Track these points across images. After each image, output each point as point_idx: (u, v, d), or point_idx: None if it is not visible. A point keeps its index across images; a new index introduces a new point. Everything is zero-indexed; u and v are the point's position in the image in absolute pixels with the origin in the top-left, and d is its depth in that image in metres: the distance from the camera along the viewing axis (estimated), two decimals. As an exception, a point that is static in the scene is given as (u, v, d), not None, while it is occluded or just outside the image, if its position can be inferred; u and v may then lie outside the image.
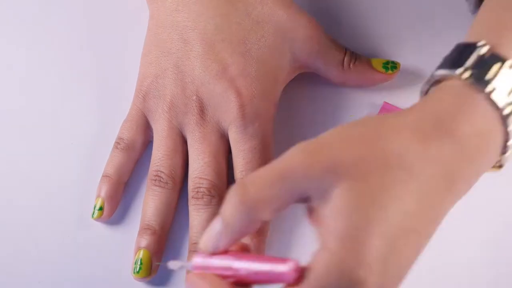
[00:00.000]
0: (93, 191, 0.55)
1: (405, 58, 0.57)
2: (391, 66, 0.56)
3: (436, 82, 0.44)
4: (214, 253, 0.42)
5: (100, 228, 0.55)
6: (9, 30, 0.61)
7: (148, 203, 0.54)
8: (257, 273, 0.41)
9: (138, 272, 0.52)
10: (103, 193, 0.55)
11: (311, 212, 0.41)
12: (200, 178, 0.52)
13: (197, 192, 0.52)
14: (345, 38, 0.59)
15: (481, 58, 0.42)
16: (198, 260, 0.43)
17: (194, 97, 0.53)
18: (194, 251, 0.52)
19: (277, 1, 0.54)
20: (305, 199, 0.41)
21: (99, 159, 0.56)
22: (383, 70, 0.56)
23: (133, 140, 0.55)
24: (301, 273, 0.40)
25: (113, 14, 0.62)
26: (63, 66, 0.60)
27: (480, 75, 0.42)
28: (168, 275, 0.53)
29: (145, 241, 0.53)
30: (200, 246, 0.43)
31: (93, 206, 0.55)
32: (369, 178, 0.39)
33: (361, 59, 0.56)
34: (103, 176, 0.55)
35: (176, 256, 0.54)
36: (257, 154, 0.52)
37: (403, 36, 0.59)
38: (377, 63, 0.56)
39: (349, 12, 0.61)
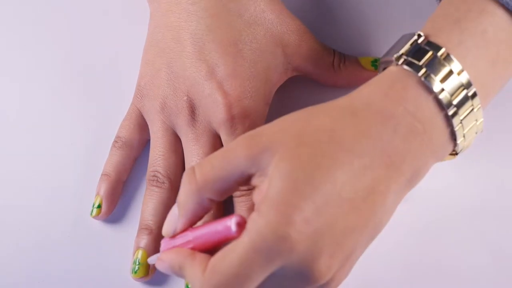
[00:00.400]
0: (94, 190, 0.56)
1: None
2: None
3: (384, 70, 0.46)
4: (174, 236, 0.46)
5: (101, 228, 0.55)
6: (9, 30, 0.62)
7: (146, 203, 0.54)
8: (211, 234, 0.44)
9: (136, 272, 0.52)
10: (101, 191, 0.55)
11: (254, 189, 0.44)
12: (195, 180, 0.53)
13: None
14: (338, 38, 0.59)
15: (416, 46, 0.44)
16: (164, 244, 0.46)
17: (185, 98, 0.53)
18: None
19: (269, 5, 0.54)
20: (247, 180, 0.44)
21: (100, 159, 0.56)
22: (372, 68, 0.56)
23: (131, 139, 0.56)
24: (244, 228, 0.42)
25: (114, 13, 0.62)
26: (63, 66, 0.60)
27: (414, 61, 0.44)
28: (166, 275, 0.54)
29: (143, 241, 0.53)
30: (162, 232, 0.47)
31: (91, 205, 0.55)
32: (300, 150, 0.41)
33: (350, 59, 0.56)
34: (102, 174, 0.56)
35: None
36: None
37: (399, 36, 0.58)
38: (365, 62, 0.56)
39: (344, 12, 0.60)
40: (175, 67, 0.53)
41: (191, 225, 0.46)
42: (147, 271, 0.53)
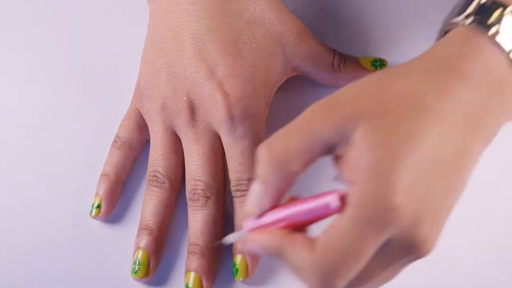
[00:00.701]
0: (94, 190, 0.56)
1: (404, 59, 0.57)
2: (380, 63, 0.57)
3: (445, 34, 0.45)
4: (261, 215, 0.44)
5: (101, 228, 0.55)
6: (9, 30, 0.62)
7: (146, 203, 0.54)
8: (307, 212, 0.42)
9: (136, 272, 0.52)
10: (101, 192, 0.55)
11: (337, 161, 0.43)
12: (196, 180, 0.53)
13: (194, 194, 0.53)
14: (338, 38, 0.59)
15: (482, 5, 0.43)
16: (249, 224, 0.44)
17: (185, 98, 0.53)
18: (192, 252, 0.52)
19: (269, 4, 0.54)
20: (330, 150, 0.42)
21: (100, 159, 0.56)
22: (372, 68, 0.56)
23: (130, 139, 0.56)
24: (345, 202, 0.41)
25: (114, 13, 0.62)
26: (63, 66, 0.60)
27: (482, 20, 0.43)
28: (168, 275, 0.54)
29: (143, 242, 0.53)
30: (247, 211, 0.44)
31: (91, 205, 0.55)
32: (386, 116, 0.40)
33: (350, 59, 0.56)
34: (101, 175, 0.56)
35: (175, 256, 0.54)
36: (248, 155, 0.52)
37: (401, 36, 0.58)
38: (365, 62, 0.56)
39: (344, 12, 0.60)
40: (175, 67, 0.53)
41: (277, 201, 0.44)
42: (147, 271, 0.53)
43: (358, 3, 0.60)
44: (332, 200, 0.41)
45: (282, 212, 0.43)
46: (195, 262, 0.52)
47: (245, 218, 0.45)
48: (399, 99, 0.41)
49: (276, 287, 0.53)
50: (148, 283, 0.53)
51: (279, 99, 0.57)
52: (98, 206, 0.55)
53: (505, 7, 0.43)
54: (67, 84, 0.60)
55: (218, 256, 0.53)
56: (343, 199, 0.41)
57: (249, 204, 0.44)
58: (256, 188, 0.43)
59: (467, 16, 0.43)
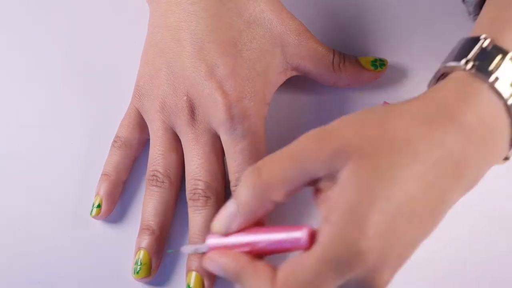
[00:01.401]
0: (94, 190, 0.56)
1: (404, 59, 0.58)
2: (380, 63, 0.57)
3: (442, 76, 0.45)
4: (227, 234, 0.45)
5: (101, 228, 0.55)
6: (9, 30, 0.62)
7: (147, 203, 0.54)
8: (274, 243, 0.43)
9: (138, 272, 0.52)
10: (101, 191, 0.55)
11: (318, 193, 0.43)
12: (195, 179, 0.53)
13: (194, 193, 0.53)
14: (338, 38, 0.59)
15: (483, 50, 0.43)
16: (212, 241, 0.45)
17: (185, 98, 0.53)
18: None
19: (269, 4, 0.54)
20: (314, 182, 0.43)
21: (100, 159, 0.56)
22: (372, 68, 0.56)
23: (130, 138, 0.56)
24: (314, 239, 0.41)
25: (114, 13, 0.62)
26: (63, 66, 0.60)
27: (483, 66, 0.43)
28: (169, 275, 0.54)
29: (144, 242, 0.53)
30: (214, 228, 0.46)
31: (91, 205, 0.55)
32: (375, 159, 0.41)
33: (350, 59, 0.56)
34: (102, 174, 0.56)
35: (176, 255, 0.54)
36: (247, 155, 0.52)
37: (401, 36, 0.58)
38: (365, 62, 0.56)
39: (344, 12, 0.60)
40: (174, 67, 0.53)
41: (247, 225, 0.45)
42: (149, 271, 0.53)
43: (358, 3, 0.60)
44: (301, 235, 0.42)
45: (249, 237, 0.43)
46: (196, 262, 0.52)
47: (210, 234, 0.45)
48: (393, 145, 0.41)
49: None
50: (149, 283, 0.53)
51: (279, 99, 0.57)
52: (99, 206, 0.55)
53: (505, 54, 0.43)
54: (67, 84, 0.60)
55: None
56: (312, 236, 0.41)
57: (218, 221, 0.45)
58: (230, 209, 0.45)
59: (468, 61, 0.43)
